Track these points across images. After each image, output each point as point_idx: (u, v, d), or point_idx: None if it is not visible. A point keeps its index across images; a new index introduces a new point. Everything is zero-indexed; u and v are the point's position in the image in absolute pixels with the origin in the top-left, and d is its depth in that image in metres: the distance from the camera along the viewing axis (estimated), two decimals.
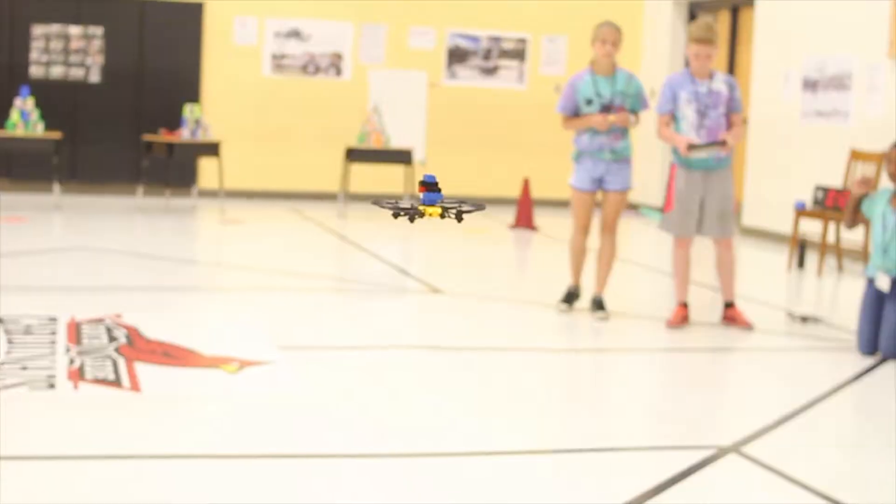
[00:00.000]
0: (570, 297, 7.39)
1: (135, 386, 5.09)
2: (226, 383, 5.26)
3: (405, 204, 3.02)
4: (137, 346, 5.80)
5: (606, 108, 7.17)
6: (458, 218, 3.01)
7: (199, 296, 7.90)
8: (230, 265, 9.21)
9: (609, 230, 7.36)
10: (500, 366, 6.02)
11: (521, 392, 5.49)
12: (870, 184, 6.69)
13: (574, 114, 7.26)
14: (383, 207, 3.03)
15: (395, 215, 3.01)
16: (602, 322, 7.14)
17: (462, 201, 3.07)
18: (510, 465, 4.34)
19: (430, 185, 3.01)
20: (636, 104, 7.25)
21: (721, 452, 4.51)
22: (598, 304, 7.29)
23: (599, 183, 7.27)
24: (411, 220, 3.00)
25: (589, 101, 7.18)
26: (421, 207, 2.99)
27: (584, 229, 7.38)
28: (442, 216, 3.00)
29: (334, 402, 5.07)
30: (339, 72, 14.33)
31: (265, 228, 11.59)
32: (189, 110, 12.43)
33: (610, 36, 7.15)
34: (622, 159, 7.25)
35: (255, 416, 4.78)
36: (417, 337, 6.86)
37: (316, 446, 4.43)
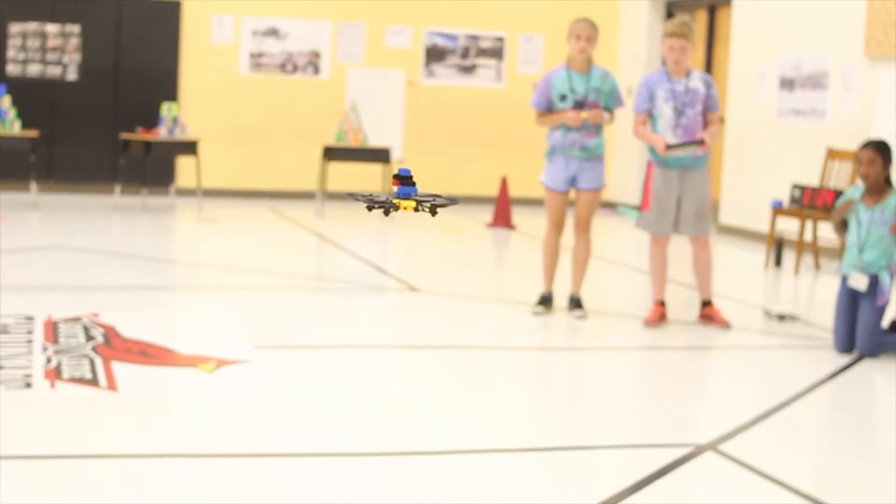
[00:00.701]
0: (545, 300, 7.39)
1: (112, 385, 5.07)
2: (203, 382, 5.25)
3: (380, 197, 3.02)
4: (115, 345, 5.79)
5: (580, 105, 7.17)
6: (433, 212, 3.02)
7: (177, 295, 7.89)
8: (207, 264, 9.19)
9: (583, 229, 7.36)
10: (478, 364, 6.02)
11: (499, 391, 5.50)
12: (854, 206, 6.68)
13: (547, 109, 7.26)
14: (358, 200, 3.03)
15: (370, 208, 3.01)
16: (580, 321, 7.15)
17: (436, 195, 3.07)
18: (488, 463, 4.35)
19: (404, 179, 3.02)
20: (610, 102, 7.24)
21: (698, 450, 4.52)
22: (575, 303, 7.30)
23: (572, 182, 7.28)
24: (386, 213, 3.00)
25: (563, 97, 7.18)
26: (395, 201, 2.99)
27: (558, 226, 7.38)
28: (416, 209, 3.01)
29: (311, 401, 5.07)
30: (316, 70, 14.31)
31: (243, 227, 11.56)
32: (166, 109, 12.39)
33: (584, 31, 7.14)
34: (595, 157, 7.25)
35: (231, 415, 4.77)
36: (395, 335, 6.86)
37: (293, 445, 4.42)
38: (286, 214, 12.59)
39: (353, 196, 3.07)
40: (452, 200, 3.06)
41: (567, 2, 14.19)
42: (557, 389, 5.76)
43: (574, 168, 7.23)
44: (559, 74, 7.23)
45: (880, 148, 6.49)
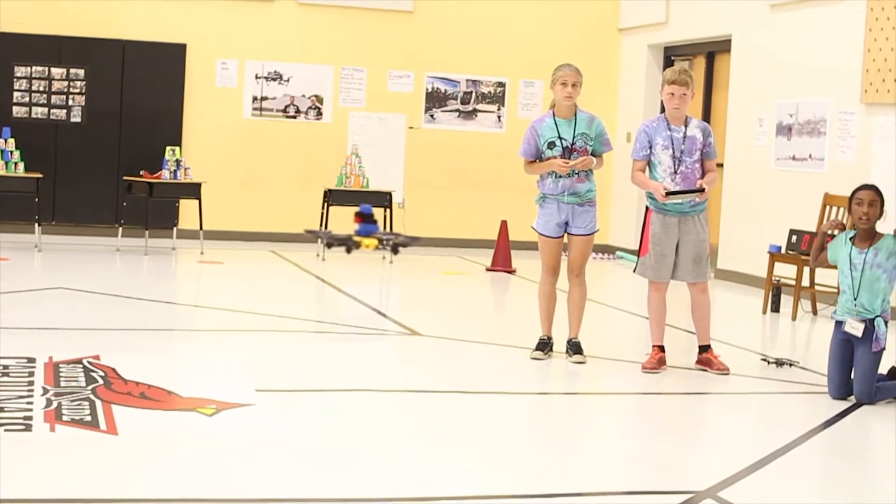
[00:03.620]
0: (544, 345, 7.40)
1: (112, 428, 5.10)
2: (202, 426, 5.27)
3: (340, 235, 3.04)
4: (115, 388, 5.81)
5: (569, 151, 7.19)
6: (395, 250, 3.05)
7: (178, 337, 7.92)
8: (209, 306, 9.23)
9: (577, 273, 7.37)
10: (476, 409, 6.04)
11: (497, 436, 5.52)
12: (842, 227, 6.79)
13: (536, 157, 7.29)
14: (319, 238, 3.07)
15: (329, 245, 3.04)
16: (578, 366, 7.17)
17: (396, 234, 3.09)
18: None
19: (366, 217, 3.04)
20: (598, 146, 7.26)
21: (697, 497, 4.54)
22: (574, 349, 7.31)
23: (565, 227, 7.31)
24: (348, 251, 3.03)
25: (551, 145, 7.20)
26: (357, 238, 3.01)
27: (553, 271, 7.40)
28: (377, 248, 3.02)
29: (311, 446, 5.09)
30: (319, 114, 14.41)
31: (244, 270, 11.61)
32: (170, 152, 12.47)
33: (570, 78, 7.15)
34: (586, 202, 7.26)
35: (231, 459, 4.79)
36: (395, 380, 6.88)
37: (292, 490, 4.44)
38: (287, 257, 12.63)
39: (313, 233, 3.11)
40: (414, 239, 3.09)
41: (567, 47, 14.30)
42: (555, 435, 5.78)
43: (566, 213, 7.25)
44: (546, 122, 7.26)
45: (878, 190, 6.58)
